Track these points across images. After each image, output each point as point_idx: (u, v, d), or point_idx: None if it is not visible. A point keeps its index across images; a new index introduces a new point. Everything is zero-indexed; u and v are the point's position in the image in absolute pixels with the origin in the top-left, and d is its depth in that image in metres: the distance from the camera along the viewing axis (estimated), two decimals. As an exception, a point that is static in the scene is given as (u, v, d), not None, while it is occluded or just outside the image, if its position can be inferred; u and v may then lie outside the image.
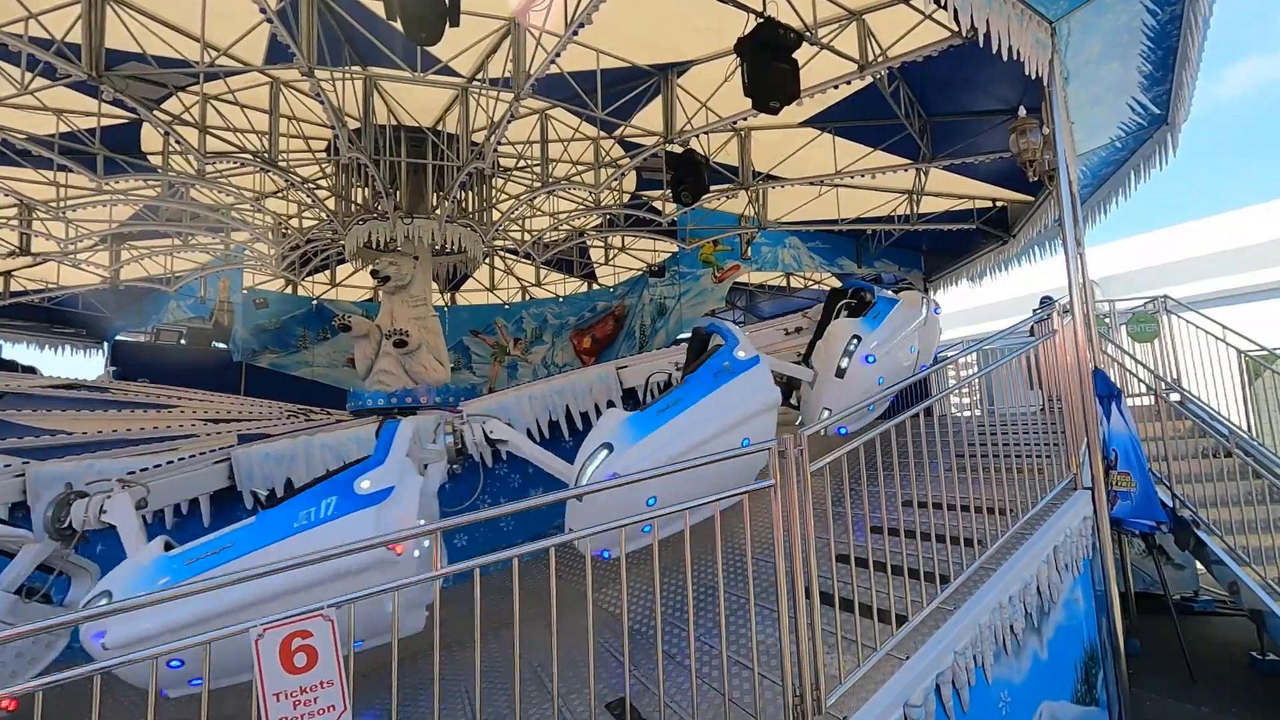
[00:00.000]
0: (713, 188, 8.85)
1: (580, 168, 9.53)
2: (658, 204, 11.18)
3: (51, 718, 1.93)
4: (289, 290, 14.15)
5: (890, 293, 5.75)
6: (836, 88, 6.60)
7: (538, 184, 9.39)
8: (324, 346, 13.86)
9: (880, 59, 6.20)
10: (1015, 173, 7.83)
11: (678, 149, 7.90)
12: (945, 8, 4.35)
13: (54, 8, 5.89)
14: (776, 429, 4.14)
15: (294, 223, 10.60)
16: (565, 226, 12.20)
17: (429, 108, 8.45)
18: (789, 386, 5.52)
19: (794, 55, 5.36)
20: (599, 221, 12.28)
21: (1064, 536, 3.91)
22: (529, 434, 6.28)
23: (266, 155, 7.61)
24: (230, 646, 2.12)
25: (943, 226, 10.54)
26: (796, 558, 2.74)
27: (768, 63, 5.28)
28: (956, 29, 5.56)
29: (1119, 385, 5.20)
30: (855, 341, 5.17)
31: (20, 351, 13.72)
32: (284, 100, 7.81)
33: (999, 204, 10.31)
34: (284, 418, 7.83)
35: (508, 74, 6.65)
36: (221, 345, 13.07)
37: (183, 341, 12.96)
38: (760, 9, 5.52)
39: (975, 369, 7.09)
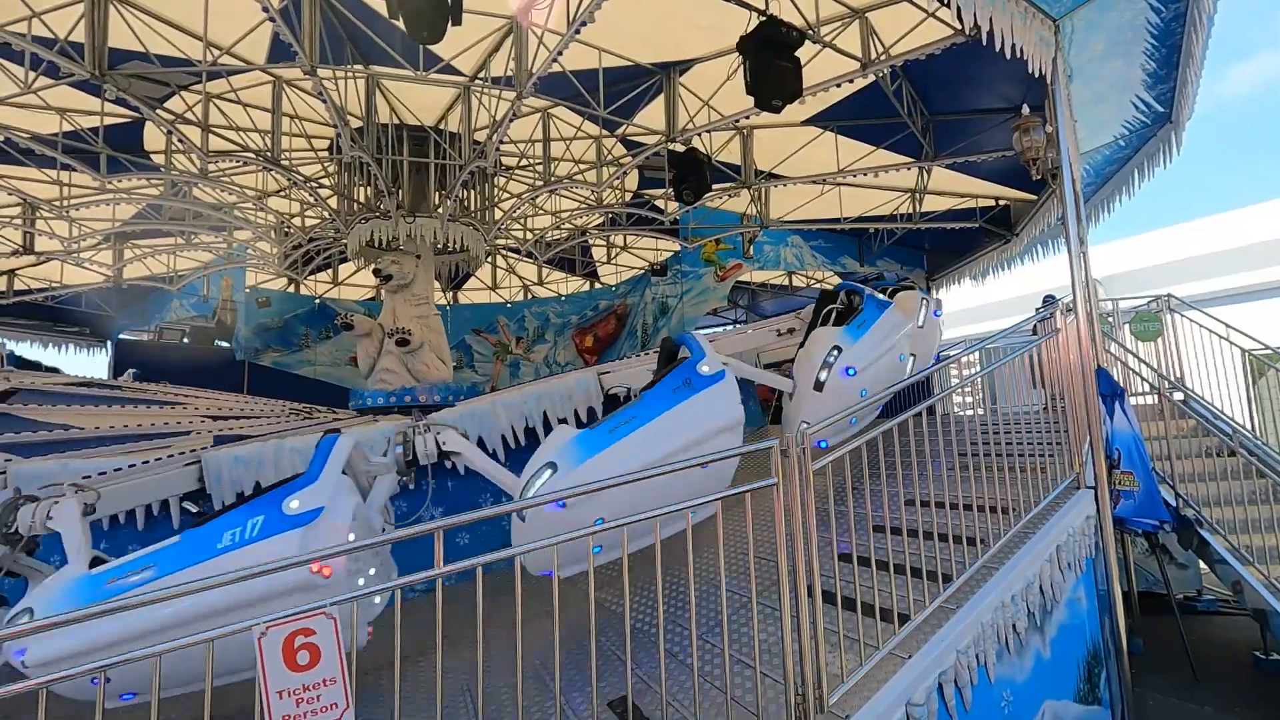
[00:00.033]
0: (715, 186, 8.83)
1: (582, 166, 9.53)
2: (660, 203, 11.17)
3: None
4: (291, 289, 14.18)
5: (882, 295, 5.56)
6: (839, 86, 6.59)
7: (540, 183, 9.39)
8: (326, 345, 13.88)
9: (883, 57, 6.18)
10: (1018, 171, 7.81)
11: (680, 147, 7.90)
12: (948, 5, 4.34)
13: (57, 7, 5.90)
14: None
15: (296, 221, 10.61)
16: (567, 225, 12.20)
17: (431, 106, 8.45)
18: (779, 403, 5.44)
19: (796, 53, 5.36)
20: (601, 220, 12.28)
21: (1067, 535, 3.91)
22: (503, 441, 6.11)
23: (269, 154, 7.62)
24: (176, 660, 2.10)
25: (945, 225, 10.52)
26: (799, 556, 2.74)
27: (770, 61, 5.28)
28: (959, 27, 5.54)
29: (1122, 384, 5.18)
30: (835, 353, 4.96)
31: (24, 350, 13.75)
32: (286, 99, 7.82)
33: (1002, 203, 10.29)
34: (287, 416, 7.85)
35: (510, 73, 6.66)
36: (224, 344, 13.10)
37: (185, 340, 13.01)
38: (763, 7, 5.51)
39: (978, 368, 7.08)
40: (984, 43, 4.51)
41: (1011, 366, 4.68)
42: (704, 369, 4.04)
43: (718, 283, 12.62)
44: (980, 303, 15.32)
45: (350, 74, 7.33)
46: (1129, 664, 4.24)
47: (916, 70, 7.06)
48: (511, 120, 6.98)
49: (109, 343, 14.18)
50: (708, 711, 2.98)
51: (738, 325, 16.01)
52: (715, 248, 12.42)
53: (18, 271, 12.24)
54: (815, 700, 2.65)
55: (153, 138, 8.43)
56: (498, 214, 10.24)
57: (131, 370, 8.83)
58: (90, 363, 14.53)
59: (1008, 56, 4.52)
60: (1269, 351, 6.64)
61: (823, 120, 8.35)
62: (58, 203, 8.94)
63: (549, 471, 3.57)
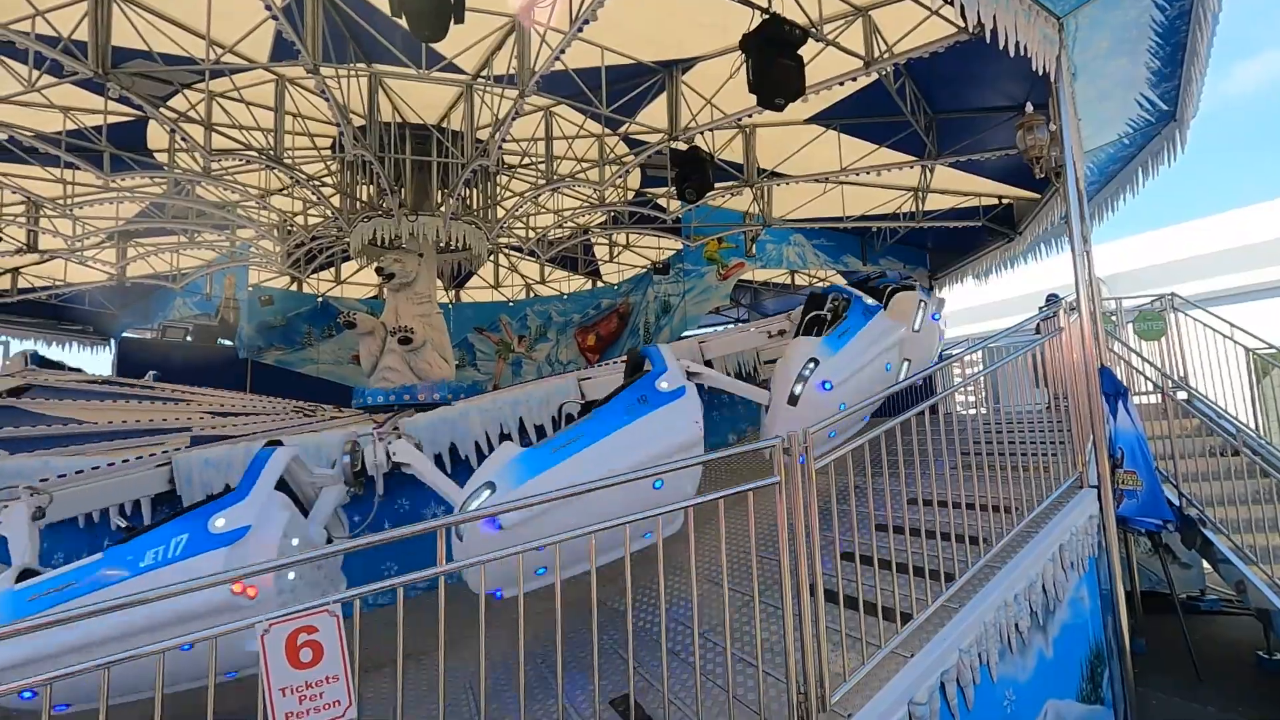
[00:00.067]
0: (717, 185, 8.82)
1: (585, 165, 9.52)
2: (662, 201, 11.17)
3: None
4: (294, 287, 14.21)
5: (872, 300, 5.34)
6: (842, 84, 6.58)
7: (542, 181, 9.39)
8: (329, 343, 13.91)
9: (886, 55, 6.17)
10: (1021, 170, 7.79)
11: (682, 146, 7.89)
12: (952, 3, 4.33)
13: (60, 5, 5.92)
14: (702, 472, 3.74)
15: (299, 220, 10.63)
16: (570, 224, 12.20)
17: (434, 105, 8.45)
18: None
19: (799, 51, 5.34)
20: (603, 219, 12.28)
21: (1070, 535, 3.90)
22: (476, 449, 5.93)
23: (272, 152, 7.64)
24: (116, 670, 2.06)
25: (948, 224, 10.50)
26: (801, 555, 2.74)
27: (773, 59, 5.27)
28: (963, 25, 5.53)
29: (1125, 383, 5.17)
30: (811, 365, 4.70)
31: (28, 348, 13.78)
32: (289, 97, 7.83)
33: (1005, 201, 10.27)
34: (290, 414, 7.87)
35: (512, 71, 6.65)
36: (227, 342, 13.13)
37: (189, 338, 13.04)
38: (766, 5, 5.51)
39: (980, 367, 7.06)
40: (987, 40, 4.49)
41: (1014, 365, 4.67)
42: (662, 385, 3.86)
43: (720, 281, 12.62)
44: (983, 301, 15.30)
45: (353, 72, 7.34)
46: (1132, 664, 4.23)
47: (919, 68, 7.04)
48: (514, 118, 6.98)
49: (112, 341, 14.22)
50: (709, 710, 2.98)
51: (738, 324, 16.00)
52: (718, 246, 12.42)
53: (22, 269, 12.29)
54: (817, 699, 2.65)
55: (156, 136, 8.44)
56: (500, 212, 10.24)
57: (152, 372, 8.90)
58: (94, 361, 14.58)
59: (1011, 54, 4.50)
60: (1273, 351, 6.62)
61: (825, 119, 8.34)
62: (61, 201, 8.96)
63: (487, 492, 3.43)
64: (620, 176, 9.47)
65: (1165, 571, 6.30)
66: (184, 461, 5.11)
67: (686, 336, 11.82)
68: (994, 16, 4.32)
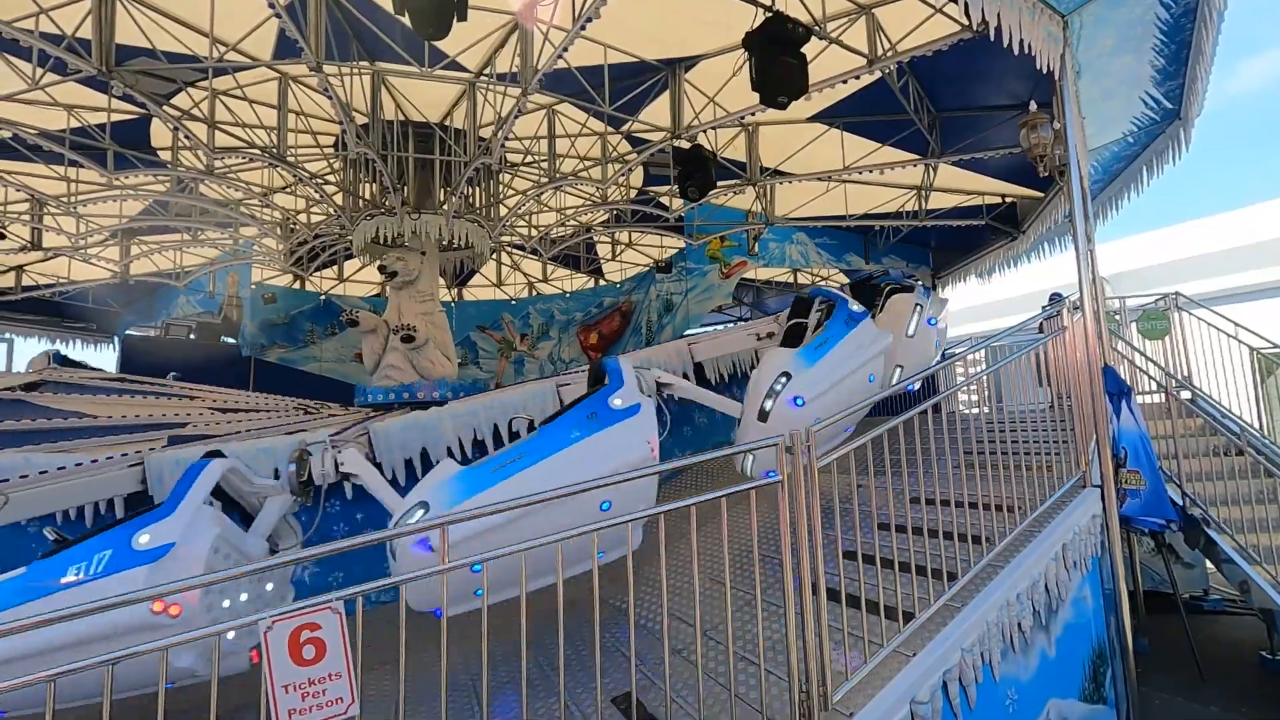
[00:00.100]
0: (720, 183, 8.82)
1: (587, 163, 9.52)
2: (665, 200, 11.16)
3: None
4: (297, 285, 14.22)
5: (857, 306, 5.05)
6: (845, 82, 6.56)
7: (545, 179, 9.38)
8: (332, 341, 13.93)
9: (889, 53, 6.15)
10: (1025, 168, 7.77)
11: (685, 144, 7.88)
12: (956, 1, 4.32)
13: (64, 3, 5.93)
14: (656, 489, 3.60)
15: (302, 218, 10.64)
16: (572, 222, 12.20)
17: (436, 103, 8.45)
18: None
19: (802, 50, 5.33)
20: (606, 217, 12.27)
21: (1073, 534, 3.89)
22: (449, 454, 5.73)
23: (275, 151, 7.64)
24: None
25: (951, 222, 10.48)
26: (803, 554, 2.74)
27: (776, 57, 5.26)
28: (967, 23, 5.51)
29: (1129, 382, 5.15)
30: (783, 380, 4.42)
31: (32, 346, 13.85)
32: (292, 95, 7.83)
33: (1008, 200, 10.24)
34: (293, 411, 7.88)
35: (515, 69, 6.65)
36: (230, 340, 13.16)
37: (192, 336, 13.06)
38: (769, 3, 5.49)
39: (983, 366, 7.05)
40: (991, 39, 4.48)
41: (1017, 364, 4.66)
42: (615, 402, 3.69)
43: (722, 280, 12.60)
44: (986, 300, 15.28)
45: (356, 70, 7.34)
46: (1134, 663, 4.22)
47: (923, 66, 7.02)
48: (517, 117, 6.98)
49: (116, 339, 14.26)
50: (711, 708, 2.99)
51: (740, 322, 15.99)
52: (720, 245, 12.41)
53: (26, 267, 12.33)
54: (820, 697, 2.65)
55: (159, 134, 8.46)
56: (503, 210, 10.24)
57: (173, 374, 8.98)
58: (97, 359, 14.62)
59: (1015, 53, 4.49)
60: (1277, 350, 6.60)
61: (828, 117, 8.32)
62: (65, 199, 8.98)
63: (421, 511, 3.32)
64: (623, 175, 9.46)
65: (1168, 571, 6.29)
66: (155, 462, 5.03)
67: (689, 335, 11.82)
68: (998, 14, 4.31)
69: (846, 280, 12.91)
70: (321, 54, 5.84)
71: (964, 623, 3.13)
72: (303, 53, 5.77)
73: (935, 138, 8.28)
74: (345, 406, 8.69)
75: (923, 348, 5.61)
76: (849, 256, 12.63)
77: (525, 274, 15.54)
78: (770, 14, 5.32)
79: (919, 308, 5.64)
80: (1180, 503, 5.16)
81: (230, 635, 2.10)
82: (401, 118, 8.69)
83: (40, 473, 4.90)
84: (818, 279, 14.77)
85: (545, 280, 15.60)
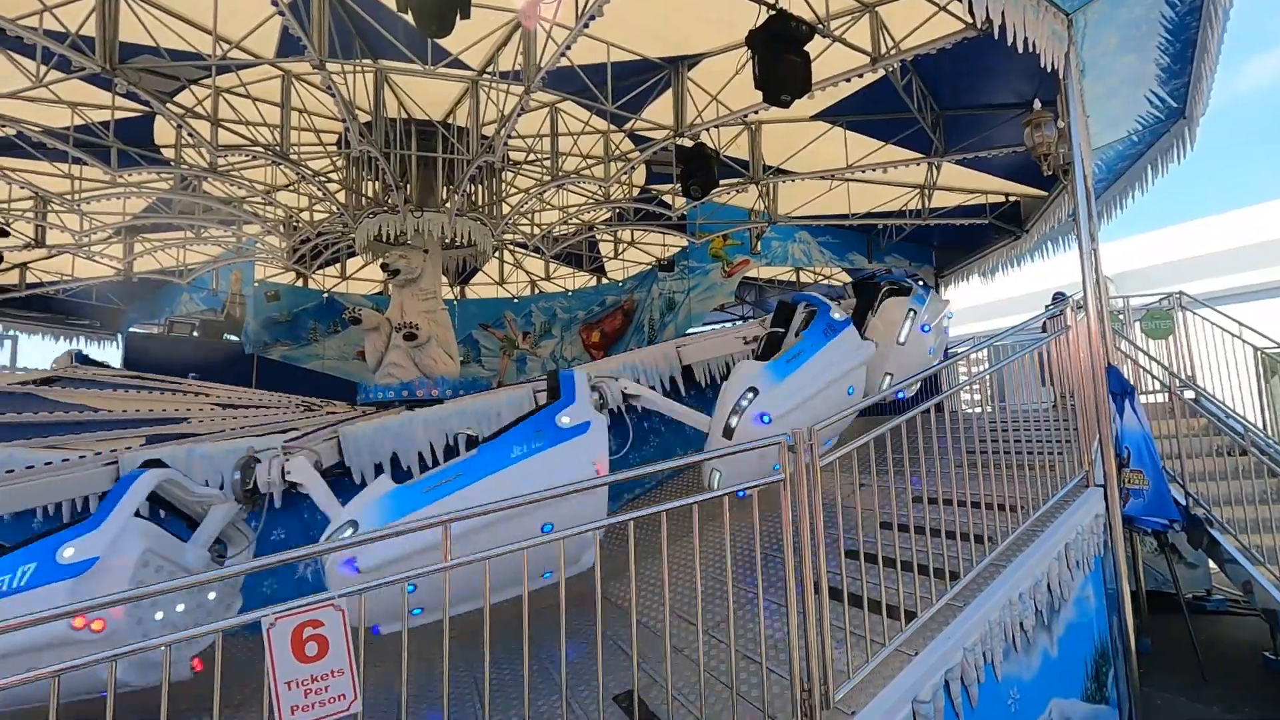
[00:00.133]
0: (723, 182, 8.81)
1: (590, 161, 9.51)
2: (667, 198, 11.15)
3: None
4: (300, 283, 14.24)
5: (839, 315, 4.79)
6: (848, 81, 6.55)
7: (547, 178, 9.39)
8: (334, 339, 13.95)
9: (893, 51, 6.14)
10: (1029, 167, 7.75)
11: (688, 142, 7.88)
12: (960, -1, 4.31)
13: (68, 1, 5.93)
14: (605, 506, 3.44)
15: (305, 216, 10.65)
16: (575, 220, 12.20)
17: (439, 101, 8.45)
18: None
19: (805, 48, 5.32)
20: (608, 216, 12.27)
21: (1075, 534, 3.89)
22: (420, 460, 5.68)
23: (278, 148, 7.65)
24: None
25: (955, 221, 10.46)
26: (806, 552, 2.74)
27: (779, 55, 5.25)
28: (971, 21, 5.49)
29: (1132, 382, 5.14)
30: (750, 396, 4.20)
31: (36, 343, 13.91)
32: (295, 93, 7.84)
33: (1012, 199, 10.22)
34: (295, 409, 7.91)
35: (518, 67, 6.65)
36: (233, 338, 13.19)
37: (195, 334, 13.09)
38: (772, 1, 5.48)
39: (986, 365, 7.03)
40: (996, 37, 4.47)
41: (1020, 364, 4.65)
42: (563, 420, 3.50)
43: (725, 278, 12.59)
44: (989, 299, 15.24)
45: (359, 68, 7.35)
46: (1137, 663, 4.22)
47: (927, 65, 7.00)
48: (519, 115, 6.98)
49: (119, 336, 14.29)
50: (713, 706, 2.99)
51: (744, 321, 15.98)
52: (723, 243, 12.39)
53: (30, 264, 12.36)
54: (821, 696, 2.65)
55: (163, 132, 8.47)
56: (505, 209, 10.24)
57: (192, 374, 9.06)
58: (101, 356, 14.61)
59: (1020, 51, 4.48)
60: (1282, 349, 6.58)
61: (832, 115, 8.31)
62: (69, 196, 9.00)
63: (349, 530, 3.20)
64: (625, 173, 9.46)
65: (1171, 571, 6.28)
66: (129, 462, 4.98)
67: (691, 333, 11.82)
68: (1002, 12, 4.30)
69: (849, 279, 12.88)
70: (324, 51, 5.84)
71: (966, 622, 3.13)
72: (306, 50, 5.78)
73: (938, 136, 8.26)
74: (353, 405, 8.72)
75: (915, 355, 5.40)
76: (852, 255, 12.61)
77: (528, 272, 15.55)
78: (774, 12, 5.31)
79: (912, 313, 5.44)
80: (1183, 503, 5.15)
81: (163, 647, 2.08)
82: (404, 115, 8.70)
83: (7, 471, 4.93)
84: (820, 278, 14.75)
85: (548, 278, 15.61)
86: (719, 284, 12.68)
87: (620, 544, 3.68)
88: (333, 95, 6.56)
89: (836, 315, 4.75)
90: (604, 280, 15.48)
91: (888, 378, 5.29)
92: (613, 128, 9.00)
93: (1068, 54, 4.77)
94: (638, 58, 7.28)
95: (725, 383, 4.51)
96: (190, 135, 7.31)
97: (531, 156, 10.01)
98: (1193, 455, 5.55)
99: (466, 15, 4.48)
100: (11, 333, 13.43)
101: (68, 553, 3.10)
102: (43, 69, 6.37)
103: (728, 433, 4.15)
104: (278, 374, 12.63)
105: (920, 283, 6.06)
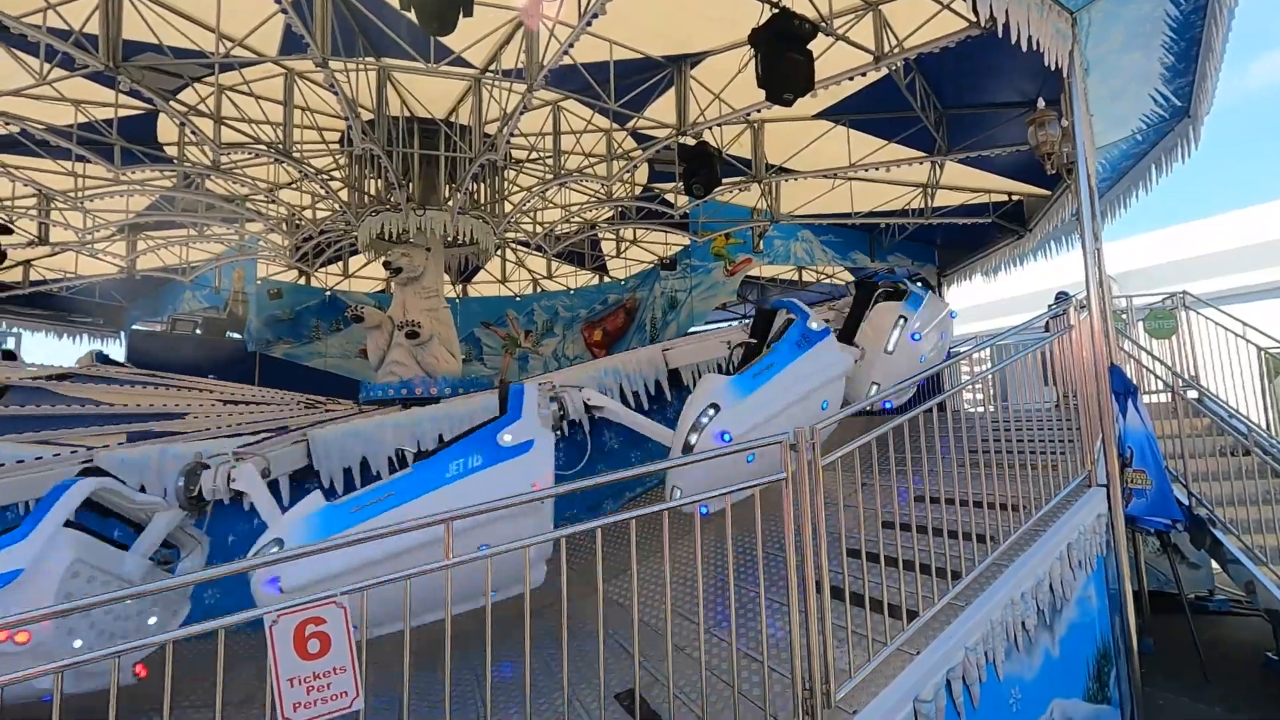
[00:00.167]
0: (725, 180, 8.80)
1: (592, 160, 9.51)
2: (670, 197, 11.15)
3: None
4: (302, 281, 14.26)
5: (817, 324, 4.51)
6: (851, 79, 6.54)
7: (550, 176, 9.38)
8: (337, 337, 13.96)
9: (896, 50, 6.13)
10: (1032, 166, 7.70)
11: (690, 141, 7.87)
12: (964, -3, 4.30)
13: (71, -2, 5.95)
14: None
15: (307, 214, 10.66)
16: (577, 219, 12.20)
17: (442, 99, 8.46)
18: None
19: (809, 46, 5.31)
20: (611, 214, 12.27)
21: (1078, 533, 3.88)
22: (389, 465, 5.54)
23: (281, 146, 7.66)
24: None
25: (958, 220, 10.44)
26: (807, 552, 2.74)
27: (782, 54, 5.24)
28: (975, 19, 5.49)
29: (1135, 382, 5.13)
30: (710, 412, 3.98)
31: (39, 340, 13.96)
32: (298, 91, 7.85)
33: (1015, 198, 10.19)
34: (297, 406, 7.93)
35: (521, 65, 6.65)
36: (236, 335, 13.21)
37: (198, 331, 13.12)
38: (775, -1, 5.47)
39: (989, 364, 7.02)
40: (999, 35, 4.46)
41: (1023, 363, 4.64)
42: (505, 438, 3.33)
43: (727, 277, 12.58)
44: (992, 299, 15.22)
45: (361, 66, 7.35)
46: (1139, 663, 4.21)
47: (930, 63, 6.98)
48: (522, 113, 6.98)
49: (122, 334, 14.32)
50: (714, 705, 2.99)
51: (744, 321, 15.96)
52: (725, 242, 12.38)
53: (33, 262, 12.40)
54: (823, 695, 2.65)
55: (166, 130, 8.48)
56: (507, 207, 10.24)
57: (210, 376, 9.13)
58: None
59: (1024, 49, 4.46)
60: (1286, 350, 6.56)
61: (834, 114, 8.29)
62: (72, 194, 9.02)
63: (275, 549, 3.10)
64: (628, 172, 9.46)
65: (1174, 571, 6.27)
66: (105, 461, 4.93)
67: (693, 333, 11.82)
68: (1006, 11, 4.29)
69: (852, 278, 12.86)
70: (327, 50, 5.84)
71: (968, 621, 3.12)
72: (309, 48, 5.78)
73: (942, 135, 8.24)
74: (357, 404, 8.73)
75: (904, 364, 5.19)
76: (854, 254, 12.59)
77: (530, 270, 15.55)
78: (777, 10, 5.31)
79: (903, 320, 5.25)
80: (1186, 503, 5.14)
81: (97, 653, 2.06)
82: (407, 114, 8.70)
83: (18, 461, 4.95)
84: (823, 277, 14.73)
85: (550, 277, 15.61)
86: (721, 283, 12.67)
87: (621, 544, 3.69)
88: (335, 93, 6.57)
89: (814, 325, 4.50)
90: (606, 279, 15.48)
91: (874, 387, 5.11)
92: (615, 126, 8.99)
93: (1072, 52, 4.75)
94: (640, 56, 7.27)
95: (689, 396, 4.27)
96: (193, 133, 7.32)
97: (534, 155, 10.00)
98: (1195, 455, 5.54)
99: (469, 13, 4.49)
100: (15, 330, 13.47)
101: None
102: (46, 66, 6.38)
103: (687, 449, 3.98)
104: (280, 372, 12.64)
105: (920, 284, 6.00)
